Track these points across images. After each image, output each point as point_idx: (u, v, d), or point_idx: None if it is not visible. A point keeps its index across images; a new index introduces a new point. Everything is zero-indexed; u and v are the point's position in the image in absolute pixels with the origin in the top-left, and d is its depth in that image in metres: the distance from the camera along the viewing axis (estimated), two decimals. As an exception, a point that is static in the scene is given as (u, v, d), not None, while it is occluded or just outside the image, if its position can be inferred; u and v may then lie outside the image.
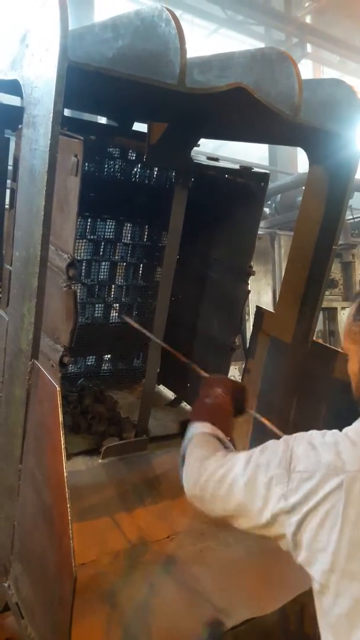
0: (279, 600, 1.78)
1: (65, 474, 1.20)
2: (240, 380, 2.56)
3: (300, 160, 8.35)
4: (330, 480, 1.04)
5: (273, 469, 1.13)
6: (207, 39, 10.62)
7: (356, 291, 6.20)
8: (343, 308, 6.23)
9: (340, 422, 1.23)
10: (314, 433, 1.15)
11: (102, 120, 3.08)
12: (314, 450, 1.10)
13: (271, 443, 1.20)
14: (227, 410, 1.61)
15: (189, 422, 1.53)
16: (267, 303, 5.61)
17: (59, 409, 1.24)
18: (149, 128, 1.96)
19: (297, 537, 1.07)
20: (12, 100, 2.11)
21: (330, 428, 1.19)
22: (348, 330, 1.26)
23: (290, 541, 1.09)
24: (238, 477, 1.21)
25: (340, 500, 1.03)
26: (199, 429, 1.48)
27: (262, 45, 9.23)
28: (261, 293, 5.75)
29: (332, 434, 1.13)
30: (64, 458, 1.22)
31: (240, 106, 1.60)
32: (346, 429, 1.15)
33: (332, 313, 6.24)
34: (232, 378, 2.12)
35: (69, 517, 1.18)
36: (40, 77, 1.29)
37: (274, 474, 1.12)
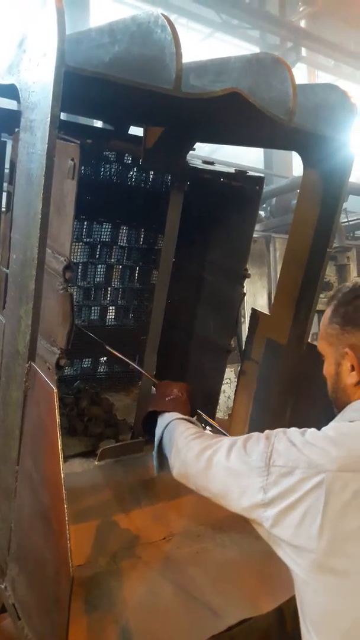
0: (275, 600, 1.79)
1: (62, 475, 1.21)
2: (236, 383, 2.58)
3: (295, 164, 8.39)
4: (311, 478, 1.07)
5: (254, 460, 1.16)
6: (202, 43, 10.67)
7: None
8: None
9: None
10: (294, 431, 1.18)
11: (97, 123, 3.09)
12: (294, 447, 1.13)
13: (255, 435, 1.24)
14: (186, 406, 1.70)
15: (152, 414, 1.63)
16: (262, 306, 5.63)
17: (56, 411, 1.25)
18: (145, 132, 1.98)
19: (274, 532, 1.10)
20: (8, 104, 2.12)
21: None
22: (324, 332, 1.30)
23: (268, 534, 1.13)
24: (221, 462, 1.25)
25: (321, 498, 1.05)
26: (172, 416, 1.56)
27: (257, 49, 9.28)
28: (256, 296, 5.77)
29: (311, 433, 1.16)
30: (61, 459, 1.23)
31: (235, 111, 1.62)
32: (325, 428, 1.18)
33: (326, 315, 6.25)
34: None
35: (66, 518, 1.19)
36: (38, 82, 1.30)
37: (254, 465, 1.16)
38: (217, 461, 1.27)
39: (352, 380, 1.22)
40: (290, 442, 1.14)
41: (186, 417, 1.61)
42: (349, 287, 1.28)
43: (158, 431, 1.57)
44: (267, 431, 1.23)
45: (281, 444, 1.15)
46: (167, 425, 1.55)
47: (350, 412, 1.22)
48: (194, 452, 1.36)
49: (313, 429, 1.18)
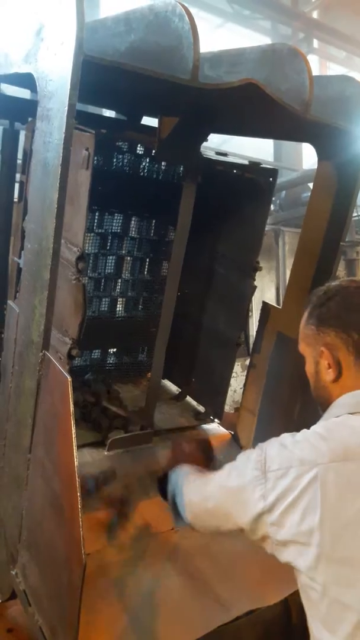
0: (281, 592, 1.80)
1: (76, 464, 1.22)
2: (245, 375, 2.58)
3: (305, 156, 8.33)
4: (305, 474, 1.10)
5: (250, 471, 1.19)
6: (213, 33, 10.57)
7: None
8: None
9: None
10: (284, 435, 1.22)
11: (107, 113, 3.08)
12: (285, 449, 1.16)
13: (248, 450, 1.28)
14: (197, 457, 1.81)
15: (167, 474, 1.68)
16: (270, 299, 5.62)
17: (70, 400, 1.26)
18: (159, 122, 1.96)
19: (279, 535, 1.12)
20: (19, 92, 2.12)
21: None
22: (302, 334, 1.37)
23: (274, 541, 1.13)
24: (221, 484, 1.31)
25: (317, 492, 1.07)
26: (180, 470, 1.63)
27: (268, 40, 9.19)
28: (265, 290, 5.76)
29: (301, 433, 1.20)
30: (74, 448, 1.24)
31: (251, 102, 1.61)
32: (313, 427, 1.22)
33: (335, 310, 6.23)
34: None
35: (79, 506, 1.20)
36: (55, 71, 1.30)
37: (250, 476, 1.18)
38: (217, 486, 1.33)
39: (330, 377, 1.28)
40: (282, 445, 1.18)
41: (193, 466, 1.66)
42: (322, 290, 1.34)
43: (169, 488, 1.63)
44: (259, 444, 1.26)
45: (273, 449, 1.18)
46: (176, 481, 1.61)
47: (334, 408, 1.26)
48: (197, 488, 1.44)
49: (303, 430, 1.21)
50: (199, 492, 1.43)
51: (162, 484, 1.73)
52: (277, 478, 1.13)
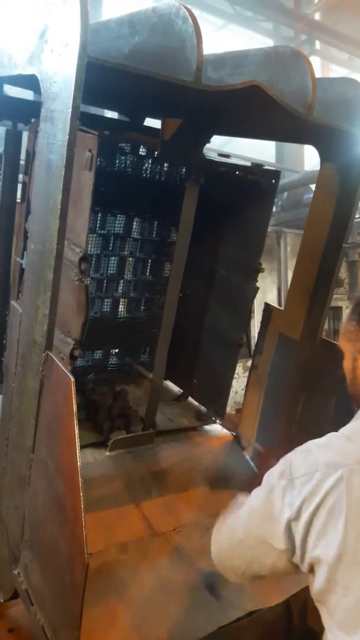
0: (282, 593, 1.81)
1: (78, 464, 1.22)
2: (246, 377, 2.59)
3: (307, 158, 8.33)
4: (330, 477, 1.08)
5: (276, 483, 1.16)
6: (215, 35, 10.58)
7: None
8: (348, 307, 6.22)
9: (347, 419, 1.26)
10: (309, 442, 1.20)
11: (109, 114, 3.09)
12: (310, 454, 1.15)
13: (268, 472, 1.23)
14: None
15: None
16: (272, 301, 5.61)
17: (73, 400, 1.26)
18: (162, 124, 1.97)
19: (306, 541, 1.09)
20: (22, 93, 2.12)
21: (337, 425, 1.23)
22: (344, 329, 1.36)
23: (299, 548, 1.11)
24: (249, 509, 1.25)
25: (342, 494, 1.06)
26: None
27: (270, 41, 9.20)
28: (266, 291, 5.75)
29: (327, 437, 1.18)
30: (77, 448, 1.24)
31: (254, 104, 1.62)
32: (342, 429, 1.20)
33: (337, 312, 6.23)
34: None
35: (82, 506, 1.20)
36: (59, 73, 1.30)
37: (276, 487, 1.16)
38: (245, 513, 1.27)
39: None
40: (307, 450, 1.17)
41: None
42: None
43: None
44: (284, 455, 1.23)
45: (298, 457, 1.17)
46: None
47: None
48: (224, 529, 1.36)
49: (330, 433, 1.19)
50: (226, 531, 1.35)
51: None
52: (303, 483, 1.11)
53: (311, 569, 1.11)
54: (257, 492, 1.25)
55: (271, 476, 1.20)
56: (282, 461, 1.20)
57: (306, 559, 1.10)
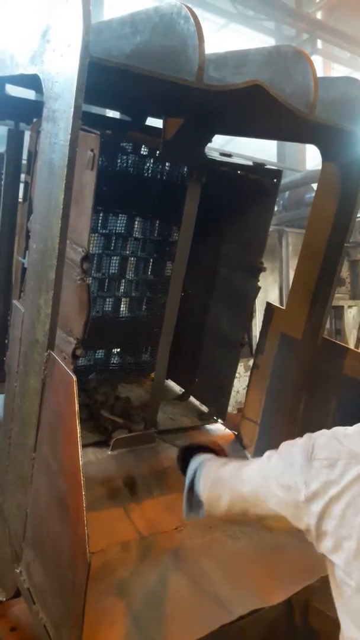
0: (285, 592, 1.81)
1: (80, 463, 1.22)
2: (249, 376, 2.59)
3: (309, 157, 8.32)
4: (353, 468, 1.07)
5: (295, 456, 1.17)
6: (217, 34, 10.57)
7: None
8: (350, 306, 6.23)
9: (349, 418, 1.26)
10: (336, 428, 1.20)
11: (111, 113, 3.09)
12: (335, 440, 1.14)
13: (288, 441, 1.25)
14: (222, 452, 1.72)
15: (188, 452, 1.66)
16: (273, 300, 5.62)
17: (75, 399, 1.27)
18: (164, 123, 1.97)
19: (320, 526, 1.10)
20: (23, 93, 2.13)
21: (338, 424, 1.22)
22: None
23: (314, 530, 1.11)
24: (260, 467, 1.27)
25: None
26: (204, 457, 1.59)
27: (272, 40, 9.20)
28: (268, 290, 5.75)
29: (355, 427, 1.17)
30: (79, 447, 1.24)
31: (255, 103, 1.62)
32: None
33: (338, 311, 6.24)
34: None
35: (84, 505, 1.20)
36: (61, 72, 1.31)
37: (295, 461, 1.16)
38: (255, 467, 1.30)
39: None
40: (333, 436, 1.16)
41: (215, 455, 1.64)
42: None
43: (190, 468, 1.60)
44: (306, 433, 1.23)
45: (322, 438, 1.17)
46: (200, 462, 1.58)
47: None
48: (231, 468, 1.41)
49: (358, 424, 1.18)
50: (232, 476, 1.38)
51: (181, 460, 1.71)
52: (323, 467, 1.11)
53: (326, 553, 1.11)
54: (271, 455, 1.26)
55: (293, 448, 1.20)
56: (305, 437, 1.20)
57: (323, 542, 1.10)
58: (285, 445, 1.25)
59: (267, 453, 1.30)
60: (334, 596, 1.13)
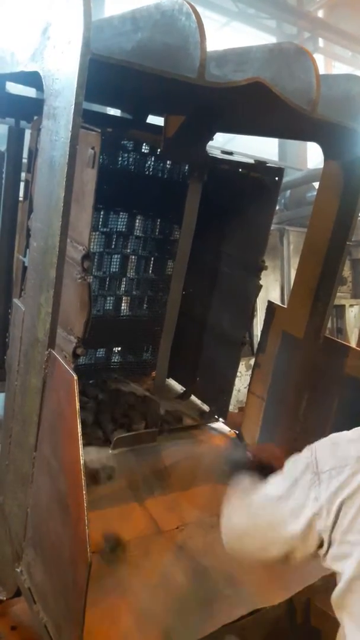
0: (286, 592, 1.80)
1: (82, 462, 1.22)
2: (250, 375, 2.58)
3: (310, 156, 8.31)
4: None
5: (300, 475, 1.16)
6: (218, 32, 10.55)
7: None
8: (351, 305, 6.22)
9: (350, 417, 1.26)
10: (335, 434, 1.19)
11: (111, 111, 3.08)
12: (338, 447, 1.14)
13: (292, 458, 1.23)
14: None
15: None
16: (275, 299, 5.58)
17: (76, 398, 1.26)
18: (165, 121, 1.97)
19: (332, 536, 1.09)
20: (24, 91, 2.12)
21: (340, 423, 1.22)
22: None
23: (326, 542, 1.10)
24: (266, 494, 1.25)
25: None
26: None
27: (273, 39, 9.17)
28: (269, 289, 5.74)
29: (354, 431, 1.17)
30: (80, 446, 1.24)
31: (257, 100, 1.61)
32: None
33: (340, 310, 6.22)
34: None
35: (85, 504, 1.20)
36: (62, 69, 1.30)
37: (301, 479, 1.15)
38: (263, 499, 1.27)
39: None
40: (334, 444, 1.15)
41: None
42: None
43: None
44: (305, 447, 1.22)
45: (324, 450, 1.16)
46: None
47: None
48: (237, 501, 1.38)
49: (357, 427, 1.18)
50: (238, 517, 1.36)
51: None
52: (331, 477, 1.10)
53: (332, 564, 1.10)
54: (277, 481, 1.24)
55: (295, 467, 1.19)
56: (306, 452, 1.19)
57: (330, 553, 1.10)
58: (287, 467, 1.23)
59: (272, 479, 1.28)
60: (337, 605, 1.12)
